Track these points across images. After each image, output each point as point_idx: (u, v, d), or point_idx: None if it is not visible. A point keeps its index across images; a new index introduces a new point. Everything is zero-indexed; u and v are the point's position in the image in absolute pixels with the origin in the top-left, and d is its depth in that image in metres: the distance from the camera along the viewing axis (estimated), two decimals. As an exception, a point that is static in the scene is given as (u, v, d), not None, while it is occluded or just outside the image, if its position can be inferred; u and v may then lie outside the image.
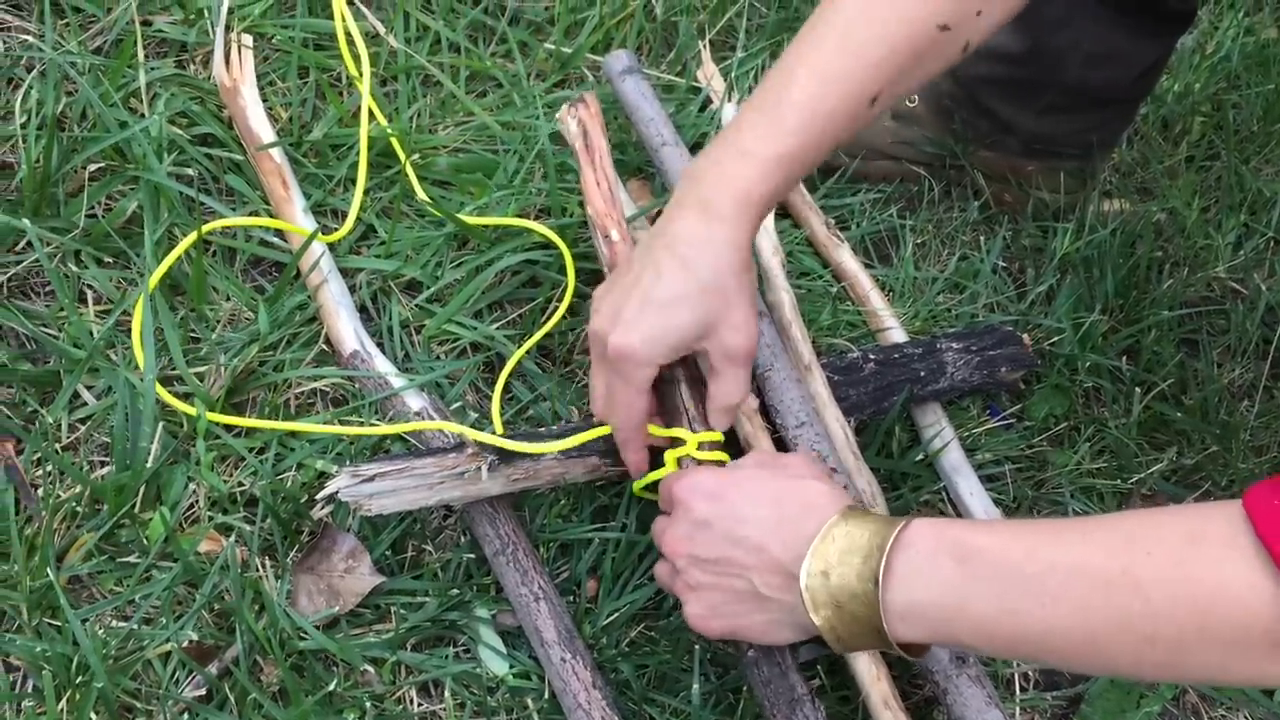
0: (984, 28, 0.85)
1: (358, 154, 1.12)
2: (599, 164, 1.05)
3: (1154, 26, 1.14)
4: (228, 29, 1.15)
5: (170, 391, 0.96)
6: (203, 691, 0.85)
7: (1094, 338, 1.18)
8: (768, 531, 0.75)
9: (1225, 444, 1.15)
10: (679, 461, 0.87)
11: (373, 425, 0.97)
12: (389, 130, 1.14)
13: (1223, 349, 1.25)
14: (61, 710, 0.82)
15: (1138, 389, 1.15)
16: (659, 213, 1.12)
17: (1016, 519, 1.09)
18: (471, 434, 0.89)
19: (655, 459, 0.90)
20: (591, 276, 1.10)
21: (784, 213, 1.23)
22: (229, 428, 0.96)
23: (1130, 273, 1.24)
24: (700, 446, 0.87)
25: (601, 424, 0.91)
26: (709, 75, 1.30)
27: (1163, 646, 0.63)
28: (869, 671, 0.88)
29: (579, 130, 1.07)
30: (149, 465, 0.92)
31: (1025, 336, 1.15)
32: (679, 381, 0.92)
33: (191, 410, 0.94)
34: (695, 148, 1.22)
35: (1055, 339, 1.19)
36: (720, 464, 0.87)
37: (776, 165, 0.83)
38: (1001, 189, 1.30)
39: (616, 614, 0.94)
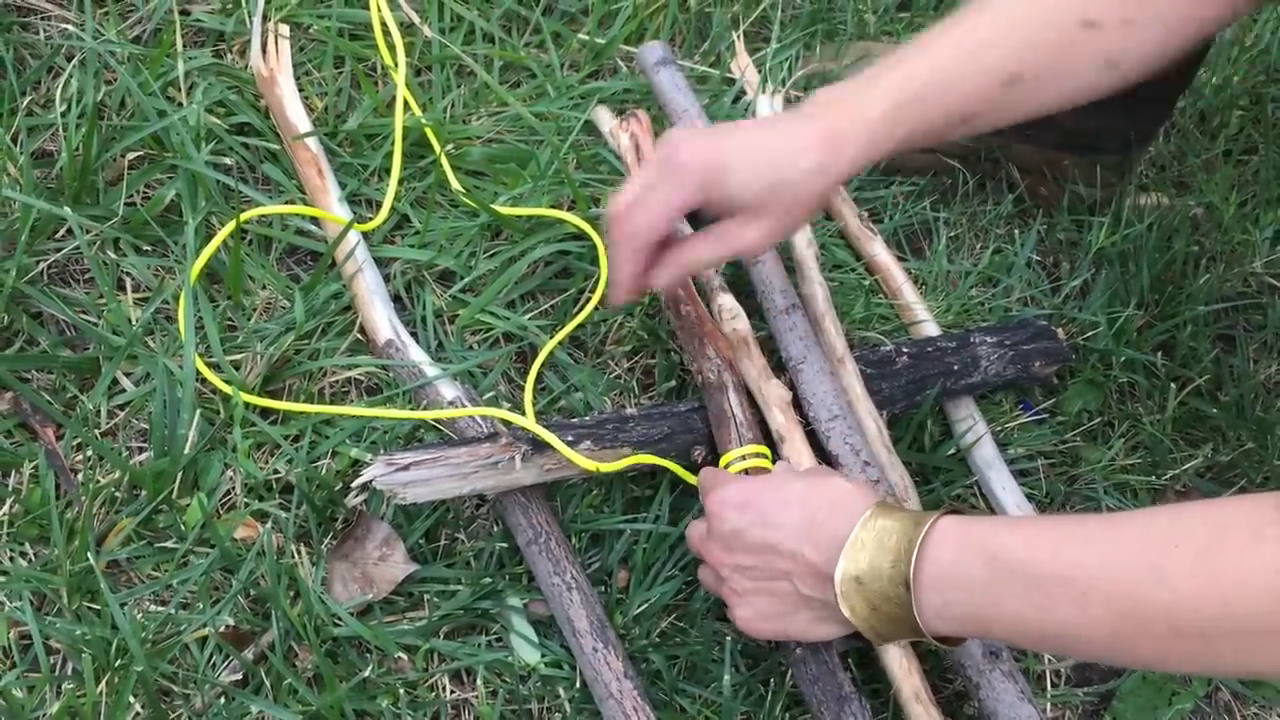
0: (1136, 47, 0.82)
1: (392, 144, 1.12)
2: None
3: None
4: (265, 18, 1.16)
5: (207, 382, 0.97)
6: (239, 676, 0.86)
7: (1129, 333, 1.17)
8: (799, 535, 0.77)
9: (1261, 440, 1.14)
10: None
11: (410, 411, 0.97)
12: (423, 120, 1.14)
13: (1259, 345, 1.24)
14: (101, 693, 0.83)
15: (1173, 385, 1.14)
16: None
17: (1042, 515, 1.08)
18: (520, 420, 0.91)
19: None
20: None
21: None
22: (265, 415, 0.97)
23: (1166, 267, 1.22)
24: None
25: (644, 454, 0.93)
26: (743, 66, 1.30)
27: (1190, 638, 0.63)
28: (900, 665, 0.88)
29: (630, 144, 1.09)
30: (187, 452, 0.93)
31: (1059, 331, 1.14)
32: (727, 388, 0.93)
33: (229, 389, 0.96)
34: (729, 139, 1.22)
35: (1090, 334, 1.18)
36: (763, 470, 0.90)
37: (895, 89, 0.82)
38: (1037, 182, 1.29)
39: (647, 604, 0.94)
